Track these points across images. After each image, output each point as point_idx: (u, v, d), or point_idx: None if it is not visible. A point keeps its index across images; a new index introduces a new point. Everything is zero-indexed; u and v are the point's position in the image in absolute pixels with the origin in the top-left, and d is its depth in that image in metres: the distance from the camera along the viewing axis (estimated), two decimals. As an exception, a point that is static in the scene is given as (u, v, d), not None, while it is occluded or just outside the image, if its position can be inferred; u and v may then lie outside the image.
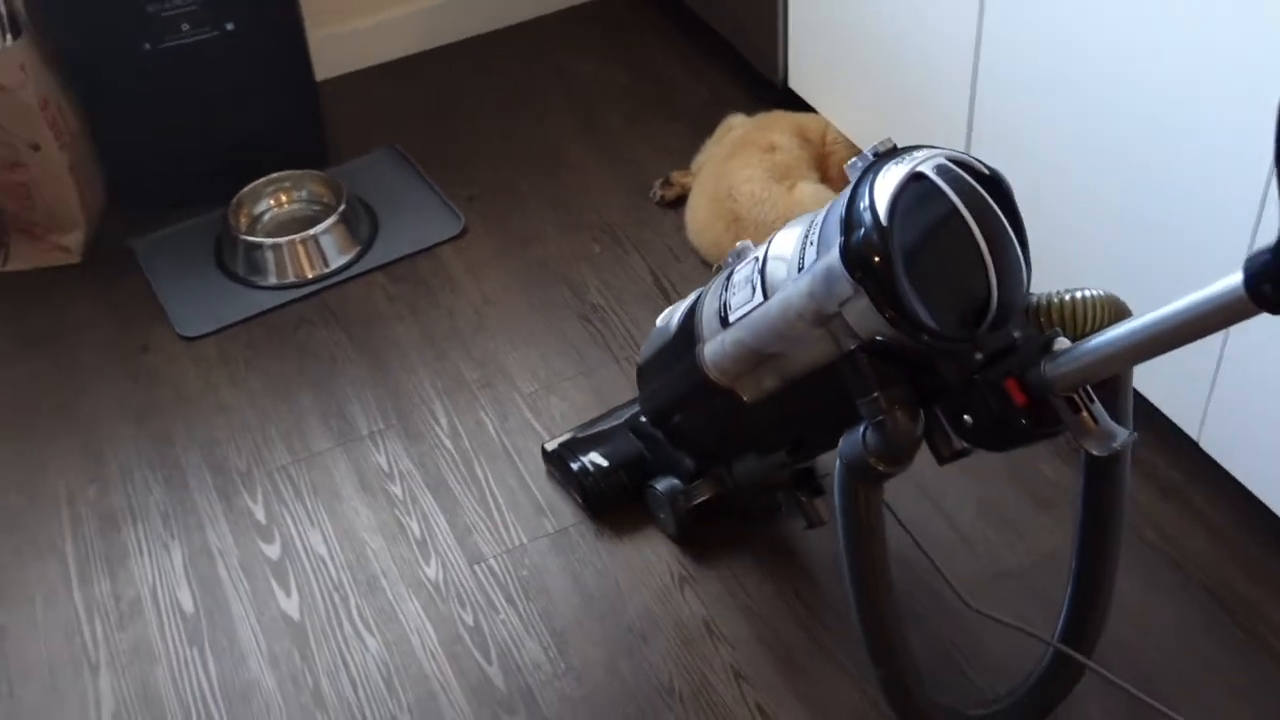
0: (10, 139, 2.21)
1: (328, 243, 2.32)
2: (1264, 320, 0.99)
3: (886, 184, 1.19)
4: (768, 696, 1.66)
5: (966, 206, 1.19)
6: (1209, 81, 1.55)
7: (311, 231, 2.30)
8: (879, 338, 1.23)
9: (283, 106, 2.46)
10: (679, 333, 1.58)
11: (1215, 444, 1.75)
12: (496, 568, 1.84)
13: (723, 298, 1.45)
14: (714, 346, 1.47)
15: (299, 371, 2.15)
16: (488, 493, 1.94)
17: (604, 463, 1.87)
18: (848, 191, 1.23)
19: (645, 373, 1.73)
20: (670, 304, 2.18)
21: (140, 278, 2.35)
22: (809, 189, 2.20)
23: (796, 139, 2.30)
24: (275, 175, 2.42)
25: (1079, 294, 1.25)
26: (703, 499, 1.76)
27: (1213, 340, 1.64)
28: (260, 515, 1.93)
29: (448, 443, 2.02)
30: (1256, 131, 1.50)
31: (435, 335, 2.19)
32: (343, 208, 2.34)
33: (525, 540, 1.87)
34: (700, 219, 2.28)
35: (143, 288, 2.33)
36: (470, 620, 1.77)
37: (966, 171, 1.22)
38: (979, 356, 1.20)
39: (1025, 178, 1.88)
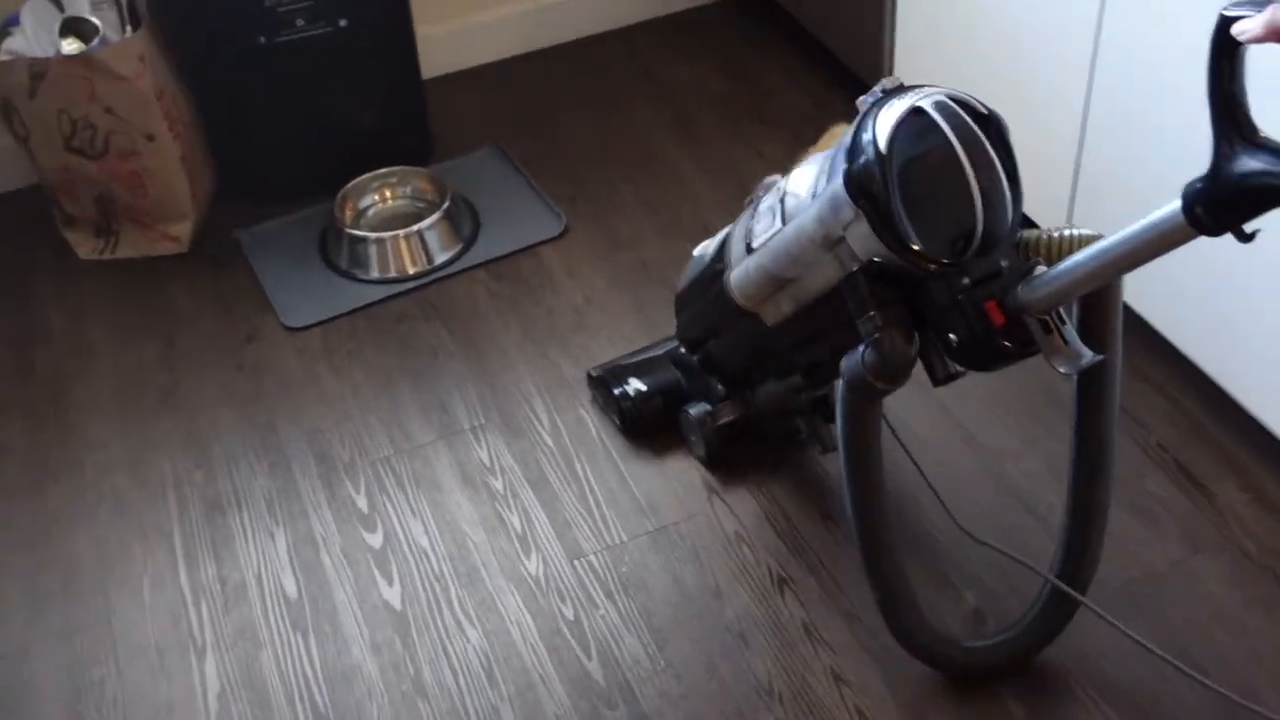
0: (127, 129, 2.26)
1: (431, 239, 2.34)
2: None
3: (888, 117, 1.30)
4: (867, 701, 1.65)
5: (958, 140, 1.29)
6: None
7: (416, 227, 2.33)
8: (877, 259, 1.34)
9: (390, 103, 2.49)
10: (712, 262, 1.70)
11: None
12: (596, 564, 1.84)
13: (749, 227, 1.57)
14: (740, 273, 1.59)
15: (401, 364, 2.17)
16: (588, 490, 1.95)
17: (643, 388, 1.99)
18: (855, 124, 1.34)
19: (681, 301, 1.85)
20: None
21: (246, 268, 2.39)
22: None
23: None
24: (381, 171, 2.45)
25: (1065, 232, 1.34)
26: (728, 419, 1.91)
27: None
28: (363, 504, 1.95)
29: (548, 439, 2.03)
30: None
31: (536, 333, 2.21)
32: (446, 205, 2.36)
33: (625, 538, 1.87)
34: None
35: (248, 278, 2.37)
36: (570, 615, 1.78)
37: (964, 110, 1.32)
38: (966, 281, 1.31)
39: (1138, 183, 1.88)
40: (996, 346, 1.30)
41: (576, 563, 1.85)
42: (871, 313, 1.34)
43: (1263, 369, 1.78)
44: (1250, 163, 1.05)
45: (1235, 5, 1.03)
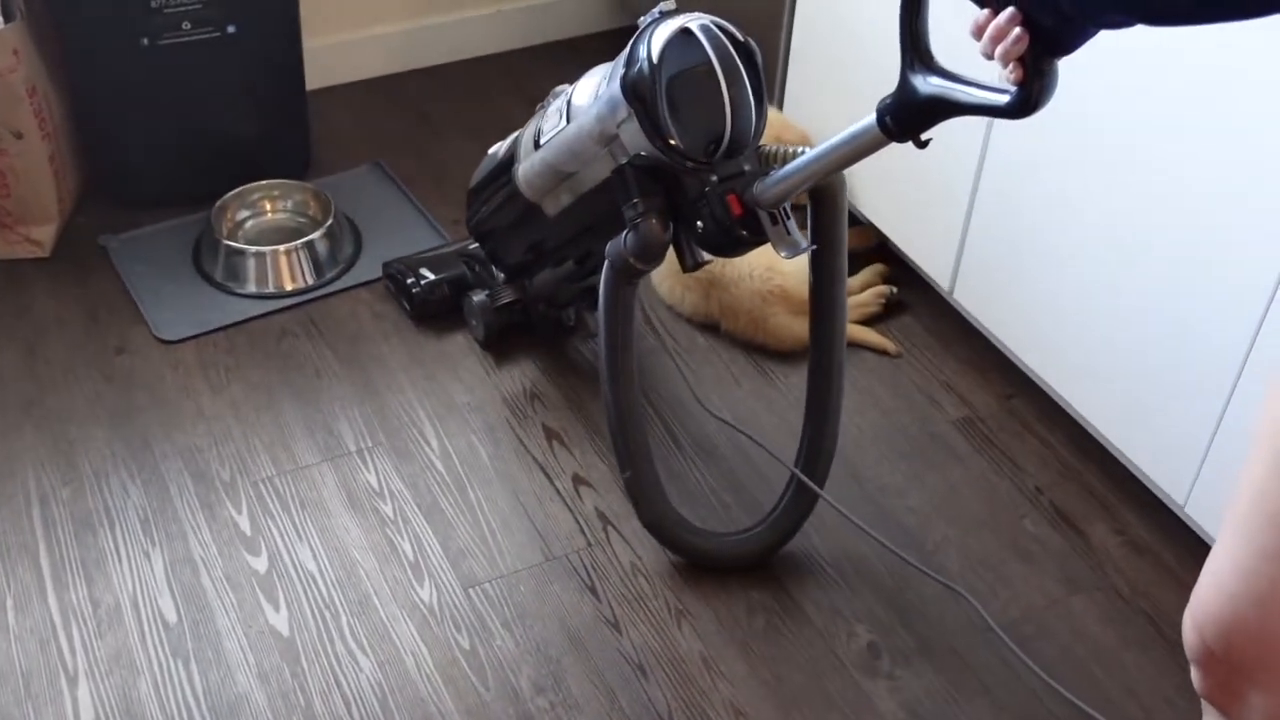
0: (-6, 124, 2.14)
1: (312, 255, 2.28)
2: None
3: (661, 35, 1.54)
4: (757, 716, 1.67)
5: (717, 57, 1.55)
6: (1207, 197, 1.62)
7: (298, 243, 2.27)
8: (643, 153, 1.58)
9: (272, 114, 2.42)
10: (504, 158, 1.90)
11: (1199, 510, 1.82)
12: (492, 592, 1.81)
13: (539, 127, 1.77)
14: (527, 166, 1.81)
15: (283, 383, 2.11)
16: (481, 517, 1.92)
17: (431, 276, 2.19)
18: (633, 38, 1.57)
19: (474, 194, 2.02)
20: (656, 338, 2.21)
21: (113, 277, 2.28)
22: None
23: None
24: (265, 183, 2.38)
25: (796, 148, 1.57)
26: (506, 301, 2.11)
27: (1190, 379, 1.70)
28: (245, 526, 1.88)
29: (438, 464, 1.99)
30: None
31: (423, 356, 2.17)
32: (330, 222, 2.31)
33: (520, 566, 1.85)
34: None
35: (116, 287, 2.26)
36: (466, 644, 1.75)
37: (725, 36, 1.57)
38: (714, 178, 1.56)
39: (1028, 234, 1.95)
40: (735, 234, 1.56)
41: (471, 591, 1.81)
42: (635, 199, 1.58)
43: (1129, 411, 1.87)
44: (928, 84, 1.30)
45: None
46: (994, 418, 2.09)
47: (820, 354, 1.76)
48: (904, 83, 1.33)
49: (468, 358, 2.17)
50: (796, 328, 2.12)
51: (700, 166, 1.56)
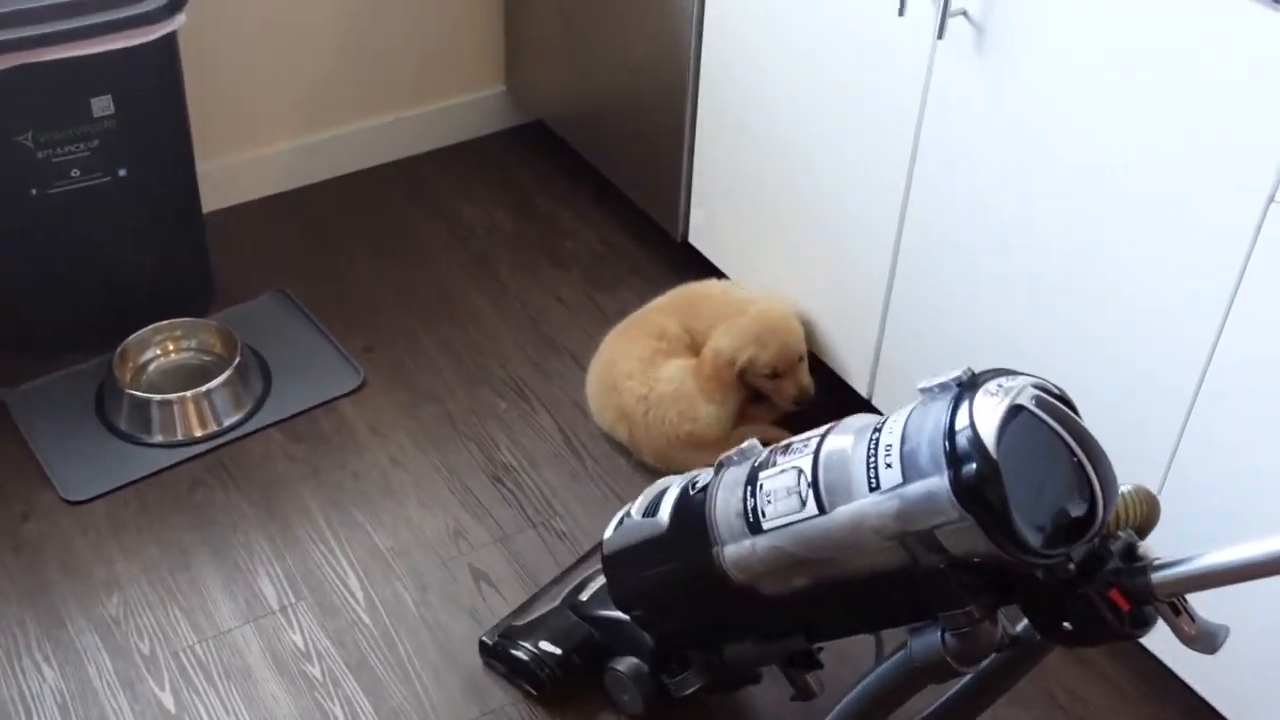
0: (-122, 289, 2.06)
1: (220, 399, 2.23)
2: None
3: (987, 416, 1.26)
4: None
5: (1070, 435, 1.28)
6: (1128, 246, 1.64)
7: (204, 388, 2.21)
8: (976, 558, 1.29)
9: (171, 249, 2.36)
10: (678, 529, 1.58)
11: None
12: (429, 756, 1.78)
13: (748, 502, 1.47)
14: (739, 550, 1.49)
15: (199, 540, 2.05)
16: (412, 672, 1.87)
17: (555, 650, 1.83)
18: (935, 418, 1.29)
19: (621, 563, 1.69)
20: (580, 462, 2.18)
21: (13, 433, 2.20)
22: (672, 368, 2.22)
23: (685, 328, 2.29)
24: (163, 323, 2.31)
25: (1123, 489, 1.34)
26: (695, 687, 1.72)
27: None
28: (169, 704, 1.82)
29: (365, 618, 1.95)
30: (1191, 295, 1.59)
31: (342, 499, 2.12)
32: (237, 360, 2.25)
33: (457, 725, 1.81)
34: (591, 381, 2.30)
35: (17, 445, 2.19)
36: (407, 816, 1.71)
37: (1052, 395, 1.32)
38: (1071, 566, 1.28)
39: (943, 340, 1.96)
40: (1117, 630, 1.28)
41: (408, 756, 1.78)
42: (969, 608, 1.30)
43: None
44: None
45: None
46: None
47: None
48: None
49: (387, 498, 2.13)
50: (696, 460, 2.14)
51: (1053, 560, 1.28)
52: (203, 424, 2.21)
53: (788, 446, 1.47)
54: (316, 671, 1.87)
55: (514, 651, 1.84)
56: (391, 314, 2.48)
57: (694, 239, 2.47)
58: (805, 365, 2.22)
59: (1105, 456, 1.30)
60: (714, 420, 2.17)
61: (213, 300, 2.47)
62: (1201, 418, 1.63)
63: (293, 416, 2.26)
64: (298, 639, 1.91)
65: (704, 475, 1.59)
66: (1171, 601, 1.28)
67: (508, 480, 2.17)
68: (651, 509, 1.63)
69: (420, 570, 2.02)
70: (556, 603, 1.89)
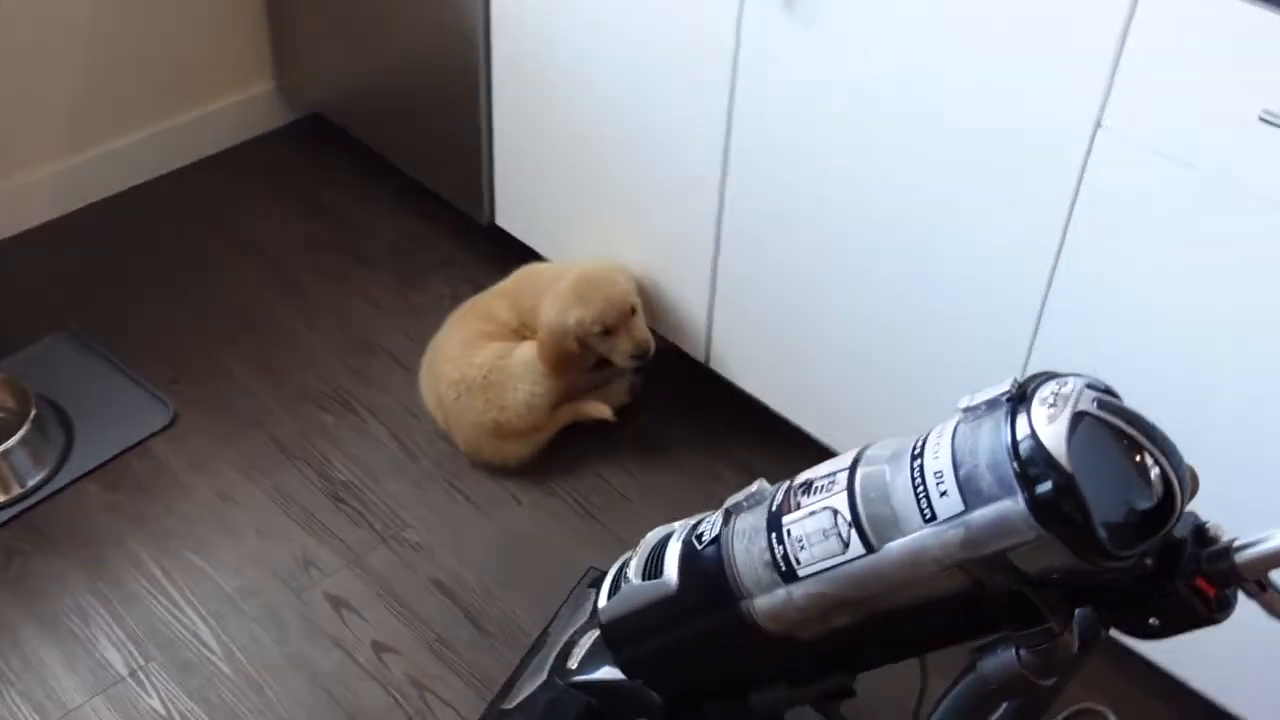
0: None
1: (19, 458, 2.05)
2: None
3: (1052, 428, 1.21)
4: None
5: (1139, 432, 1.23)
6: (952, 203, 1.66)
7: (2, 448, 2.03)
8: (1053, 575, 1.24)
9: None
10: (690, 587, 1.47)
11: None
12: (320, 803, 1.69)
13: (775, 550, 1.38)
14: (772, 601, 1.39)
15: (26, 615, 1.89)
16: (285, 716, 1.78)
17: None
18: (992, 438, 1.24)
19: (625, 629, 1.56)
20: (420, 467, 2.11)
21: None
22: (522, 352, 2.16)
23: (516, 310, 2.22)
24: (-55, 387, 2.12)
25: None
26: None
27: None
28: (25, 798, 1.69)
29: (225, 668, 1.83)
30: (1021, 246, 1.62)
31: (175, 545, 1.99)
32: (33, 414, 2.08)
33: (343, 764, 1.73)
34: (421, 366, 2.22)
35: None
36: None
37: (1108, 393, 1.27)
38: (1148, 562, 1.25)
39: (773, 295, 1.96)
40: (1204, 618, 1.25)
41: (298, 807, 1.69)
42: (1049, 624, 1.26)
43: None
44: None
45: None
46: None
47: None
48: None
49: (224, 537, 2.01)
50: (507, 450, 2.13)
51: (1133, 559, 1.25)
52: (4, 488, 2.04)
53: (807, 485, 1.38)
54: (182, 734, 1.76)
55: None
56: (192, 339, 2.33)
57: (502, 221, 2.40)
58: (640, 319, 2.14)
59: (1173, 446, 1.26)
60: (522, 409, 2.11)
61: (-5, 346, 2.28)
62: (1048, 333, 1.67)
63: (103, 464, 2.10)
64: (155, 704, 1.79)
65: (706, 525, 1.49)
66: (1258, 580, 1.25)
67: (349, 498, 2.07)
68: (653, 568, 1.52)
69: (274, 607, 1.91)
70: (544, 675, 1.73)
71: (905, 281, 1.79)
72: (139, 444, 2.14)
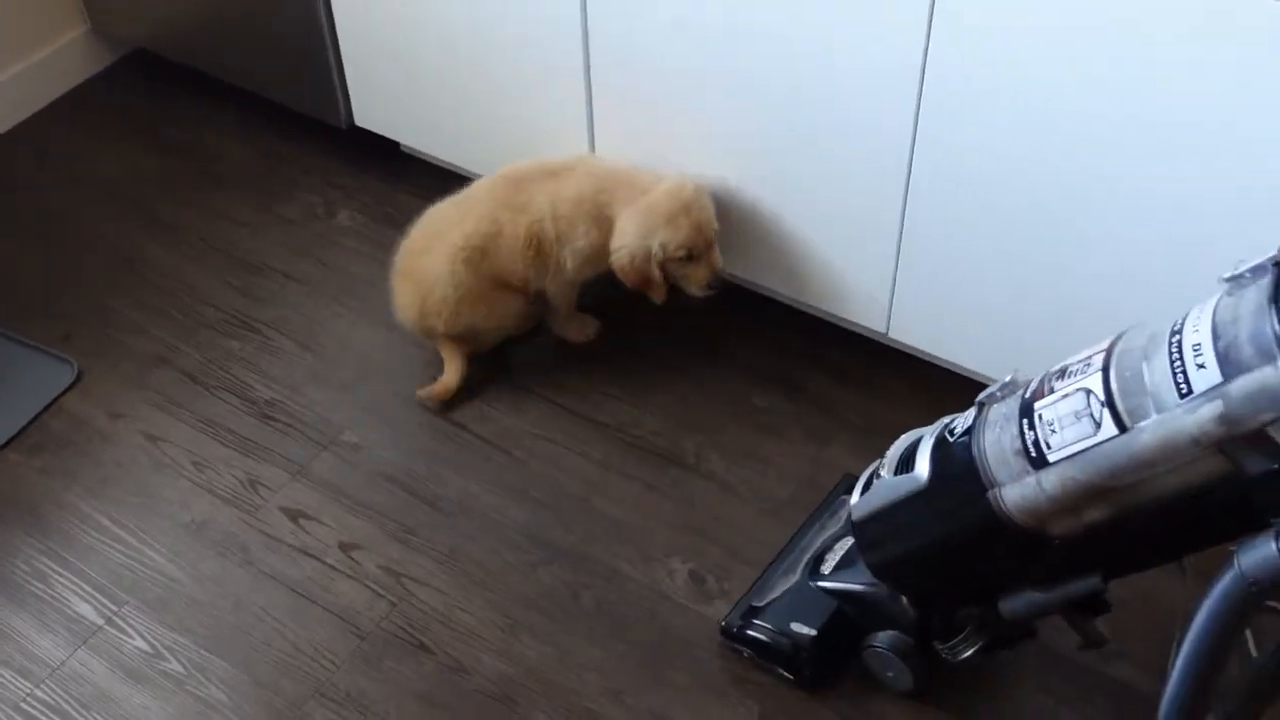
0: None
1: (-69, 438, 2.02)
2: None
3: None
4: None
5: None
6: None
7: (-89, 433, 1.99)
8: None
9: None
10: (941, 480, 1.47)
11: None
12: (332, 697, 1.74)
13: (1026, 436, 1.35)
14: (1021, 490, 1.37)
15: (-16, 589, 1.88)
16: (275, 628, 1.82)
17: (810, 631, 1.69)
18: (1254, 305, 1.18)
19: (876, 527, 1.57)
20: (336, 372, 2.13)
21: None
22: None
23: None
24: None
25: None
26: (976, 647, 1.61)
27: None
28: (37, 758, 1.70)
29: (198, 595, 1.86)
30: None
31: (117, 493, 1.99)
32: (-66, 395, 2.04)
33: (339, 660, 1.78)
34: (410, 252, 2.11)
35: None
36: (335, 760, 1.68)
37: None
38: None
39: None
40: None
41: (307, 707, 1.73)
42: None
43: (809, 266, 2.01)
44: None
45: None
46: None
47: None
48: None
49: (163, 475, 2.01)
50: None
51: None
52: (-76, 473, 2.00)
53: (1062, 371, 1.34)
54: (176, 666, 1.78)
55: (759, 635, 1.72)
56: (73, 293, 2.29)
57: (362, 120, 2.39)
58: (717, 247, 2.01)
59: None
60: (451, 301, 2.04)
61: None
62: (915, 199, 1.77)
63: (20, 432, 2.07)
64: (140, 644, 1.81)
65: (960, 419, 1.47)
66: None
67: (276, 414, 2.09)
68: (904, 464, 1.51)
69: (231, 531, 1.94)
70: (796, 576, 1.76)
71: (783, 160, 1.87)
72: (50, 405, 2.11)
